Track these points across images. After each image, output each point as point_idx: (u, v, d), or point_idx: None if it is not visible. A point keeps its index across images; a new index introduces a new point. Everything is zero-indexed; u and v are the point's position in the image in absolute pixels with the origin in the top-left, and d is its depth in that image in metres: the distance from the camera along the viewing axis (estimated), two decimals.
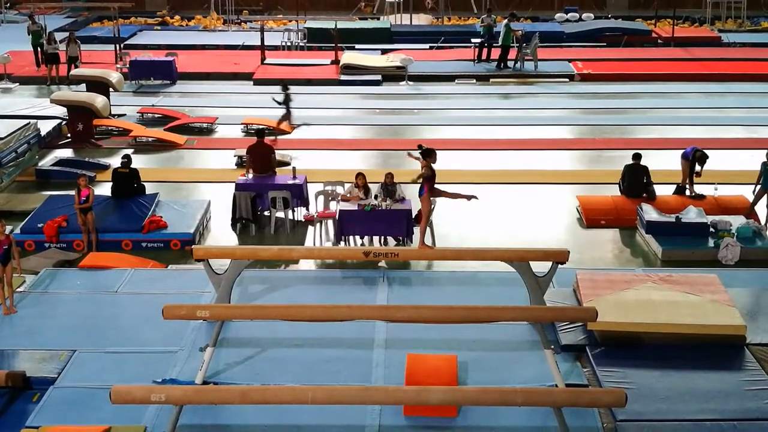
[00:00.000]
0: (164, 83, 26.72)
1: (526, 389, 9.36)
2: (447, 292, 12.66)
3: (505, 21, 28.34)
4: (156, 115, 22.76)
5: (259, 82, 27.10)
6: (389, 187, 14.50)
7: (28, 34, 28.30)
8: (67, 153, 19.82)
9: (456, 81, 27.53)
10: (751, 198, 15.43)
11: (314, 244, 14.80)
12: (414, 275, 13.54)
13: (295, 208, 15.60)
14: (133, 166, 15.95)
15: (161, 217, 14.95)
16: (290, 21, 35.31)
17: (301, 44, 31.81)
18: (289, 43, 31.81)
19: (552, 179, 18.12)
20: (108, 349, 11.01)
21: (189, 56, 29.72)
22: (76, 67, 25.69)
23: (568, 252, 11.57)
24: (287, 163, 17.86)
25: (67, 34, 28.21)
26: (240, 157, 18.29)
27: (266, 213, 15.49)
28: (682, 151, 16.45)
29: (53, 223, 14.44)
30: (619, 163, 16.89)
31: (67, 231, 14.44)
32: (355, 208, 14.26)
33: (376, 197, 14.49)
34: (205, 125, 21.94)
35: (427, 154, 11.29)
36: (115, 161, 17.76)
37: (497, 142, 20.60)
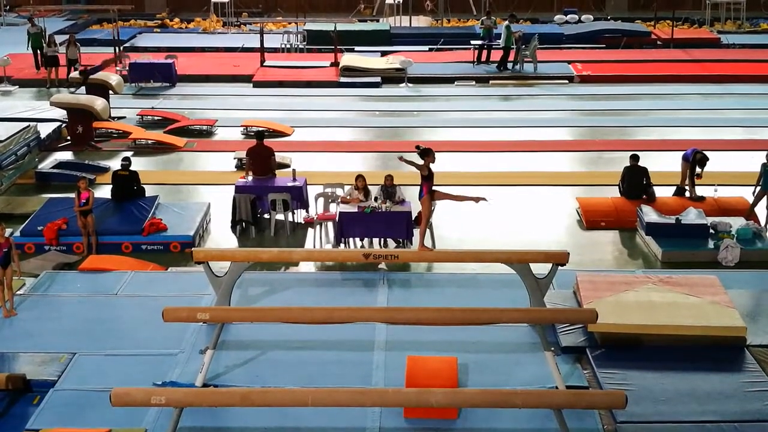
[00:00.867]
0: (164, 86, 26.72)
1: (526, 391, 9.37)
2: (447, 293, 12.66)
3: (506, 23, 28.36)
4: (156, 118, 22.76)
5: (258, 85, 27.14)
6: (389, 189, 14.50)
7: (28, 37, 28.31)
8: (66, 156, 19.81)
9: (455, 83, 27.54)
10: (750, 199, 15.43)
11: (314, 247, 14.80)
12: (414, 277, 13.54)
13: (295, 211, 15.60)
14: (132, 168, 15.95)
15: (161, 219, 14.95)
16: (290, 23, 35.35)
17: (300, 46, 31.84)
18: (288, 46, 31.83)
19: (552, 181, 18.13)
20: (108, 351, 11.00)
21: (188, 58, 29.72)
22: (75, 69, 25.68)
23: (568, 254, 11.59)
24: (287, 165, 17.86)
25: (66, 36, 28.24)
26: (240, 159, 18.29)
27: (266, 215, 15.49)
28: (683, 152, 16.45)
29: (53, 226, 14.44)
30: (619, 165, 16.89)
31: (67, 233, 14.44)
32: (355, 210, 14.26)
33: (376, 199, 14.49)
34: (204, 127, 21.95)
35: (425, 154, 11.29)
36: (115, 164, 17.77)
37: (497, 143, 20.60)
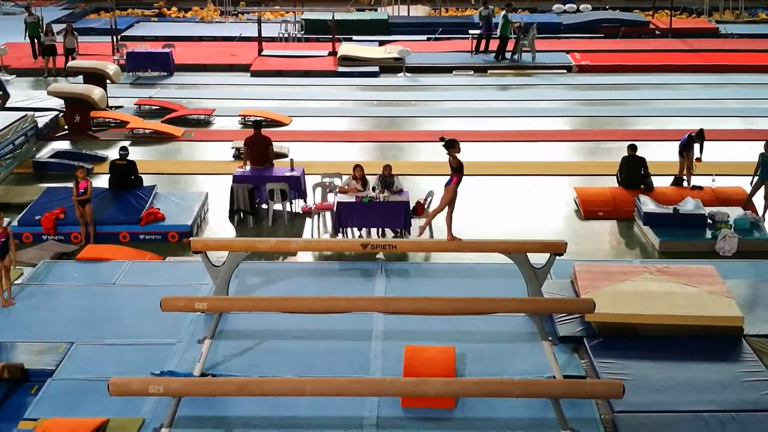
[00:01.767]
0: (161, 75, 26.67)
1: (523, 380, 9.38)
2: (445, 283, 12.66)
3: (503, 12, 28.31)
4: (153, 107, 22.73)
5: (256, 74, 27.09)
6: (387, 179, 14.50)
7: (25, 26, 28.23)
8: (64, 145, 19.80)
9: (454, 72, 27.49)
10: (748, 189, 15.43)
11: (312, 236, 14.80)
12: (412, 267, 13.55)
13: (293, 200, 15.59)
14: (130, 158, 15.94)
15: (159, 209, 14.95)
16: (287, 12, 35.25)
17: (298, 35, 31.76)
18: (286, 35, 31.76)
19: (550, 170, 18.13)
20: (106, 341, 11.01)
21: (186, 48, 29.66)
22: (72, 58, 25.63)
23: (566, 243, 11.60)
24: (285, 155, 17.84)
25: (64, 25, 28.15)
26: (237, 148, 18.28)
27: (264, 205, 15.48)
28: (678, 142, 16.44)
29: (51, 215, 14.43)
30: (617, 155, 16.88)
31: (64, 223, 14.44)
32: (353, 200, 14.26)
33: (374, 189, 14.48)
34: (202, 117, 21.92)
35: (451, 145, 11.28)
36: (113, 153, 17.76)
37: (495, 133, 20.59)
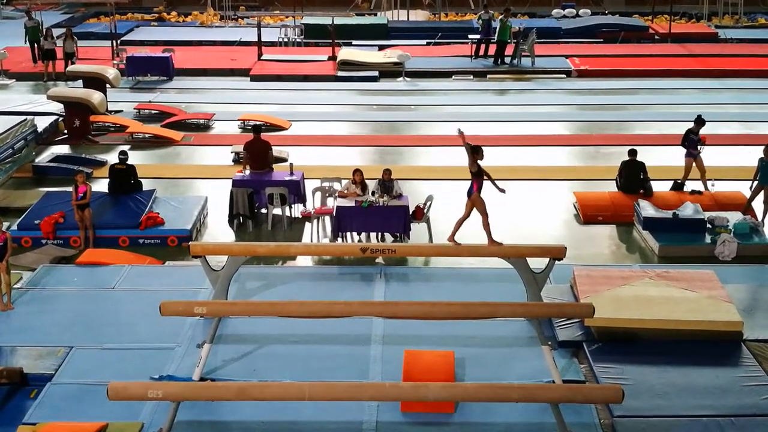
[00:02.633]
0: (161, 79, 26.68)
1: (523, 385, 9.38)
2: (444, 288, 12.66)
3: (501, 17, 28.33)
4: (153, 112, 22.75)
5: (256, 78, 27.10)
6: (387, 184, 14.50)
7: (25, 30, 28.27)
8: (64, 149, 19.80)
9: (453, 77, 27.51)
10: (748, 194, 15.43)
11: (311, 241, 14.80)
12: (411, 271, 13.54)
13: (293, 205, 15.59)
14: (129, 162, 15.93)
15: (158, 213, 14.94)
16: (287, 17, 35.32)
17: (298, 40, 31.80)
18: (286, 39, 31.78)
19: (549, 175, 18.13)
20: (105, 345, 11.01)
21: (186, 52, 29.70)
22: (72, 63, 25.65)
23: (565, 248, 11.61)
24: (284, 160, 17.85)
25: (63, 30, 28.17)
26: (237, 153, 18.28)
27: (263, 209, 15.48)
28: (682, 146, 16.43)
29: (50, 220, 14.43)
30: (617, 159, 16.88)
31: (64, 227, 14.42)
32: (353, 204, 14.26)
33: (373, 193, 14.48)
34: (202, 121, 21.93)
35: (474, 151, 11.31)
36: (112, 157, 17.75)
37: (494, 138, 20.55)
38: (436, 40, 31.81)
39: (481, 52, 29.12)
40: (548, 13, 36.42)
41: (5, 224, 12.14)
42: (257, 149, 15.90)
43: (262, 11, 37.94)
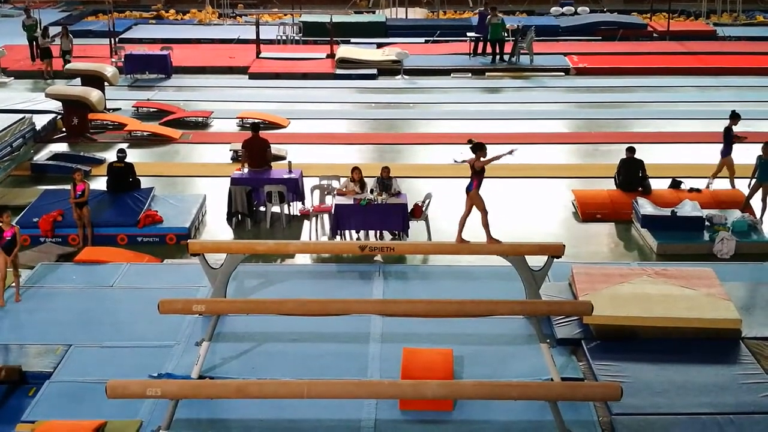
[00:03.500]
0: (159, 77, 26.66)
1: (521, 383, 9.39)
2: (443, 286, 12.66)
3: (489, 15, 28.36)
4: (151, 110, 22.74)
5: (254, 76, 27.10)
6: (385, 182, 14.50)
7: (23, 28, 28.25)
8: (62, 147, 19.78)
9: (452, 75, 27.52)
10: (746, 191, 15.44)
11: (310, 239, 14.80)
12: (410, 269, 13.54)
13: (291, 203, 15.59)
14: (128, 160, 15.92)
15: (157, 211, 14.93)
16: (285, 15, 35.30)
17: (296, 38, 31.79)
18: (284, 37, 31.78)
19: (547, 173, 18.14)
20: (104, 343, 11.00)
21: (184, 50, 29.67)
22: (68, 61, 25.64)
23: (564, 246, 11.59)
24: (283, 158, 17.85)
25: (59, 28, 28.20)
26: (235, 151, 18.28)
27: (262, 207, 15.48)
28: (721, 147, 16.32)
29: (49, 218, 14.42)
30: (615, 157, 16.89)
31: (62, 225, 14.42)
32: (351, 202, 14.26)
33: (371, 191, 14.48)
34: (200, 119, 21.92)
35: (478, 148, 11.31)
36: (111, 155, 17.74)
37: (493, 136, 20.46)
38: (435, 38, 31.80)
39: (480, 50, 29.11)
40: (547, 11, 36.44)
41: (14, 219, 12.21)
42: (256, 147, 15.90)
43: (260, 9, 37.92)
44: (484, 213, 11.62)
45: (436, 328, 11.00)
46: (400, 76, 27.07)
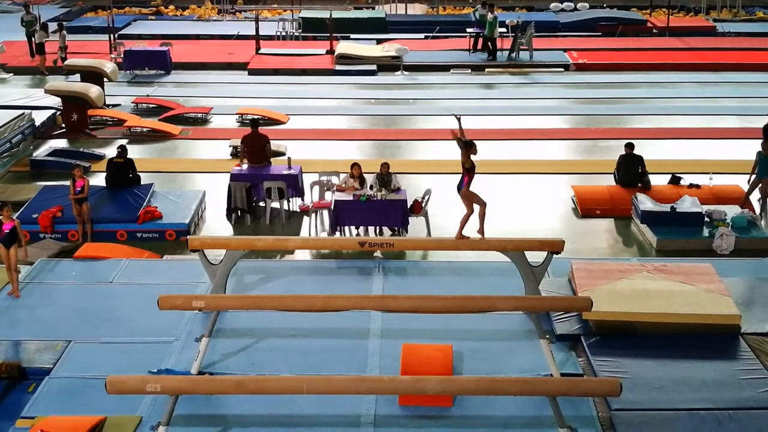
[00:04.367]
0: (159, 73, 26.64)
1: (521, 379, 9.39)
2: (442, 282, 12.66)
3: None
4: (150, 105, 22.72)
5: (253, 72, 27.07)
6: (385, 177, 14.50)
7: (22, 24, 28.23)
8: (61, 143, 19.78)
9: (451, 71, 27.50)
10: (746, 187, 15.44)
11: (309, 235, 14.80)
12: (409, 265, 13.55)
13: (291, 199, 15.59)
14: (127, 156, 15.91)
15: (156, 207, 14.93)
16: (285, 11, 35.27)
17: (295, 34, 31.76)
18: (283, 33, 31.75)
19: (547, 169, 18.13)
20: (103, 339, 11.01)
21: (183, 46, 29.64)
22: (63, 58, 25.66)
23: (563, 242, 11.60)
24: (282, 154, 17.84)
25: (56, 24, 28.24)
26: (235, 147, 18.26)
27: (261, 203, 15.48)
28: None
29: (48, 214, 14.42)
30: (615, 153, 16.88)
31: (61, 221, 14.42)
32: (351, 198, 14.26)
33: (371, 187, 14.48)
34: (199, 115, 21.90)
35: (468, 146, 11.33)
36: (110, 151, 17.74)
37: (492, 132, 20.54)
38: (434, 34, 31.77)
39: (479, 46, 29.11)
40: (546, 7, 36.38)
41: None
42: (255, 143, 15.90)
43: (260, 5, 37.86)
44: (482, 205, 11.64)
45: (436, 323, 10.99)
46: (399, 72, 27.05)
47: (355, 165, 14.78)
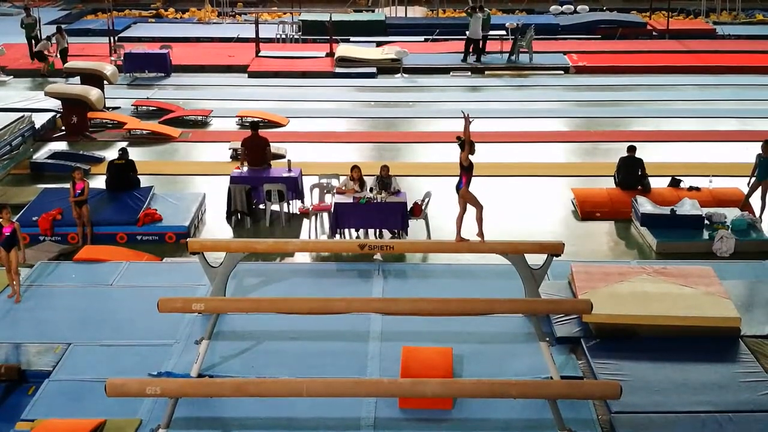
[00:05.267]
0: (159, 76, 26.65)
1: (521, 381, 9.38)
2: (442, 284, 12.66)
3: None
4: (150, 108, 22.72)
5: (253, 75, 27.08)
6: (385, 180, 14.50)
7: (22, 27, 28.25)
8: (61, 146, 19.77)
9: (451, 73, 27.50)
10: (745, 190, 15.44)
11: (309, 237, 14.80)
12: (409, 268, 13.54)
13: (291, 201, 15.59)
14: (129, 158, 15.92)
15: (156, 210, 14.93)
16: (285, 13, 35.26)
17: (295, 37, 31.76)
18: (283, 36, 31.76)
19: (547, 171, 18.13)
20: (103, 342, 11.00)
21: (183, 49, 29.65)
22: (61, 59, 25.81)
23: (563, 244, 11.59)
24: (282, 156, 17.84)
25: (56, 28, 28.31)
26: (235, 149, 18.27)
27: (261, 206, 15.48)
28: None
29: (48, 216, 14.42)
30: (614, 156, 16.90)
31: (61, 224, 14.42)
32: (351, 201, 14.26)
33: (371, 190, 14.48)
34: (199, 118, 21.91)
35: (468, 145, 11.34)
36: (110, 154, 17.76)
37: (492, 134, 20.54)
38: (434, 37, 31.78)
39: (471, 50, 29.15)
40: (546, 10, 36.39)
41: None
42: (255, 146, 15.90)
43: (259, 8, 37.85)
44: (479, 208, 11.63)
45: (436, 326, 10.99)
46: (399, 75, 27.06)
47: (354, 167, 14.78)
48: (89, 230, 14.33)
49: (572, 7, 35.83)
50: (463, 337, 11.00)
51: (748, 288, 12.54)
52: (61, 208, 14.59)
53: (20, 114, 19.68)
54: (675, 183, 16.23)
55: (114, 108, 22.50)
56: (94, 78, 22.13)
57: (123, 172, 15.62)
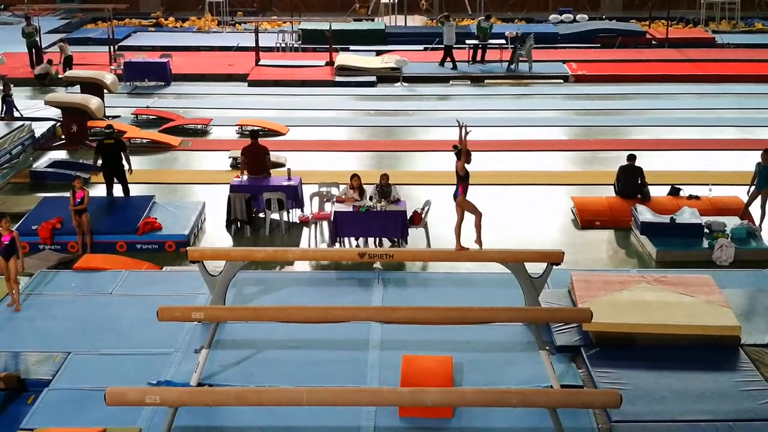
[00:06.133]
0: (158, 85, 26.69)
1: (521, 390, 9.36)
2: (442, 293, 12.66)
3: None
4: (150, 117, 22.75)
5: (253, 84, 27.12)
6: (384, 189, 14.50)
7: (23, 36, 28.29)
8: (61, 154, 19.79)
9: (450, 82, 27.56)
10: (745, 199, 15.45)
11: (309, 246, 14.79)
12: (409, 276, 13.54)
13: (290, 210, 15.59)
14: (124, 157, 15.92)
15: (156, 218, 14.93)
16: (284, 22, 35.30)
17: (295, 45, 31.82)
18: (283, 45, 31.82)
19: (546, 180, 18.14)
20: (103, 350, 10.99)
21: (183, 57, 29.70)
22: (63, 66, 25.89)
23: (563, 253, 11.59)
24: (282, 165, 17.85)
25: (60, 35, 28.31)
26: (235, 158, 18.28)
27: (261, 214, 15.48)
28: None
29: (47, 225, 14.41)
30: (614, 164, 16.91)
31: (61, 233, 14.41)
32: (350, 209, 14.26)
33: (371, 198, 14.48)
34: (199, 127, 21.93)
35: (465, 154, 11.37)
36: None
37: (492, 143, 20.57)
38: (434, 46, 31.83)
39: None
40: (545, 19, 36.48)
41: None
42: (255, 154, 15.91)
43: (259, 17, 37.91)
44: (478, 215, 11.65)
45: (436, 335, 10.98)
46: (399, 84, 27.10)
47: (354, 176, 14.78)
48: (89, 239, 14.33)
49: (572, 16, 35.90)
50: (463, 346, 10.99)
51: (748, 297, 12.54)
52: (60, 217, 14.58)
53: (20, 123, 19.71)
54: (675, 192, 16.23)
55: (114, 117, 22.51)
56: (94, 87, 22.18)
57: (115, 153, 15.61)
